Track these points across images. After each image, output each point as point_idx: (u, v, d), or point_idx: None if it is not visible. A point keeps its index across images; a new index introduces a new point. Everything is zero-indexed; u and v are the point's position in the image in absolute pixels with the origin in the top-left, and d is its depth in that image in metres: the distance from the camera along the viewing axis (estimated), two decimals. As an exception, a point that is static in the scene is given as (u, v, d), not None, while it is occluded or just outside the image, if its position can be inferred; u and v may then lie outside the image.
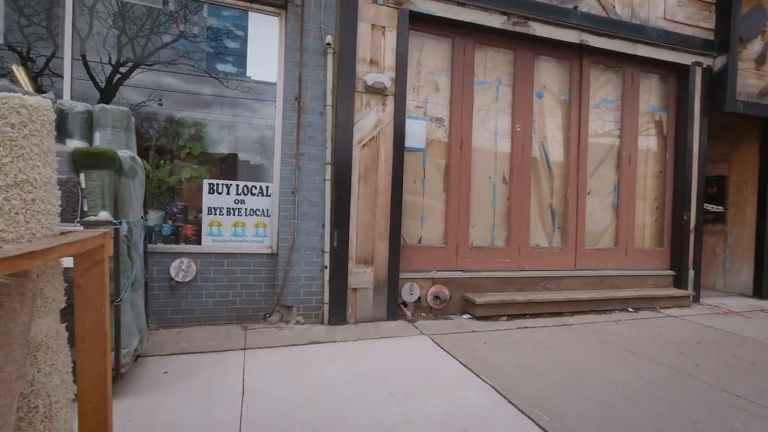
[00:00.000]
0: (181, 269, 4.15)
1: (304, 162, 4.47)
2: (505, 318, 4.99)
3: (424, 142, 5.14)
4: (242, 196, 4.44)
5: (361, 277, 4.64)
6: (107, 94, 4.32)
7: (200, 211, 4.37)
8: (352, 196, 4.59)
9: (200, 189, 4.35)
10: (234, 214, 4.42)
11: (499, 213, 5.55)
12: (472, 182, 5.34)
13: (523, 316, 5.09)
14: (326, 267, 4.50)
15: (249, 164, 4.76)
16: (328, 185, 4.50)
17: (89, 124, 3.01)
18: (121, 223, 2.70)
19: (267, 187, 4.51)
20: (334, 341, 4.03)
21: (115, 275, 2.67)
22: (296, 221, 4.43)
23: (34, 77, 4.12)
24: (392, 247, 4.75)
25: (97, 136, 3.00)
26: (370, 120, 4.66)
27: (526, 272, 5.50)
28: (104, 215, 2.68)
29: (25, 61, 4.09)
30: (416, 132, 5.09)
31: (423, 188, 5.18)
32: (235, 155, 4.77)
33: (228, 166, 4.87)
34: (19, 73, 4.05)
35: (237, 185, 4.42)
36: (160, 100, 4.50)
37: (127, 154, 2.94)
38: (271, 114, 4.64)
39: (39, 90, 4.04)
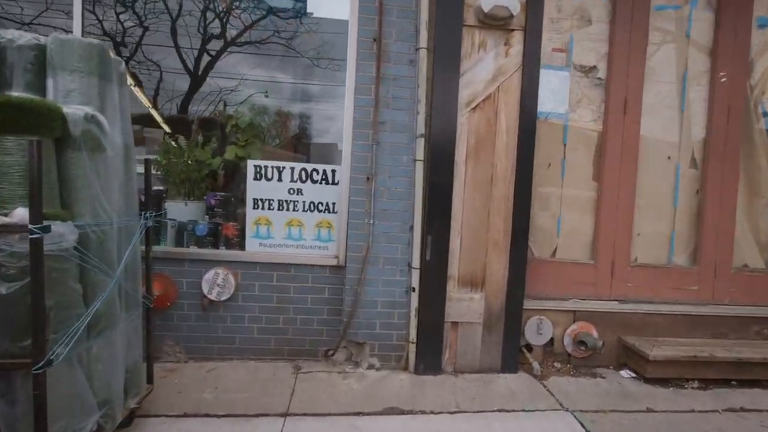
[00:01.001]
0: (216, 284, 3.03)
1: (384, 134, 3.05)
2: (696, 384, 3.10)
3: (565, 103, 3.40)
4: (299, 184, 3.17)
5: (466, 305, 3.13)
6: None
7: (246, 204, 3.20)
8: (456, 184, 3.08)
9: (246, 174, 3.17)
10: (288, 209, 3.18)
11: (684, 213, 3.59)
12: (640, 165, 3.46)
13: (727, 382, 3.14)
14: (413, 289, 3.07)
15: (311, 141, 3.49)
16: (419, 168, 3.04)
17: (42, 68, 1.90)
18: (48, 229, 1.52)
19: (333, 171, 3.19)
20: (422, 412, 2.58)
21: (33, 321, 1.52)
22: (372, 221, 3.05)
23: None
24: (514, 261, 3.14)
25: (50, 84, 1.88)
26: (485, 69, 3.07)
27: (728, 308, 3.50)
28: (19, 214, 1.53)
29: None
30: (554, 88, 3.37)
31: (561, 174, 3.45)
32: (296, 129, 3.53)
33: (288, 145, 3.66)
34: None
35: (292, 168, 3.16)
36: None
37: (80, 111, 1.77)
38: (340, 64, 3.28)
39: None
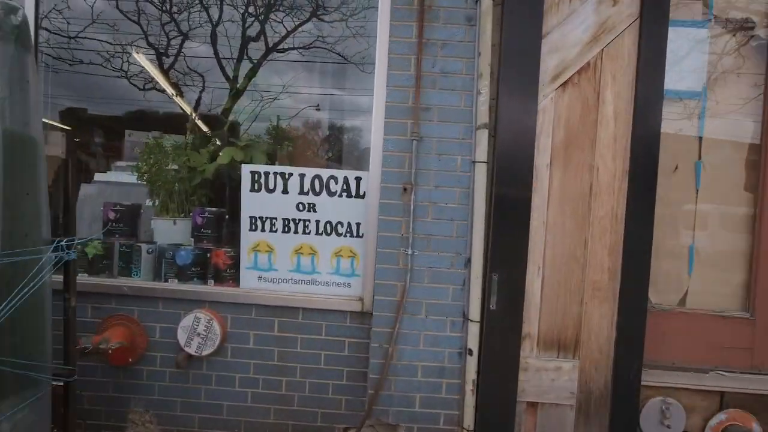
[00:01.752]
0: (196, 332, 2.22)
1: (429, 126, 2.12)
2: None
3: (703, 77, 2.29)
4: (311, 197, 2.31)
5: (550, 378, 2.10)
6: None
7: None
8: (536, 199, 2.08)
9: (241, 183, 2.36)
10: (296, 231, 2.32)
11: None
12: (824, 169, 2.27)
13: None
14: (470, 352, 2.08)
15: (329, 140, 2.63)
16: (479, 174, 2.07)
17: None
18: None
19: (357, 180, 2.29)
20: None
21: None
22: (411, 251, 2.11)
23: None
24: (626, 314, 2.07)
25: None
26: (581, 26, 2.06)
27: None
28: None
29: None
30: (684, 54, 2.28)
31: (696, 183, 2.33)
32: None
33: (300, 147, 2.84)
34: None
35: (301, 176, 2.30)
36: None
37: None
38: (369, 28, 2.40)
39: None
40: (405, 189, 2.12)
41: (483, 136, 2.07)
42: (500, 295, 2.06)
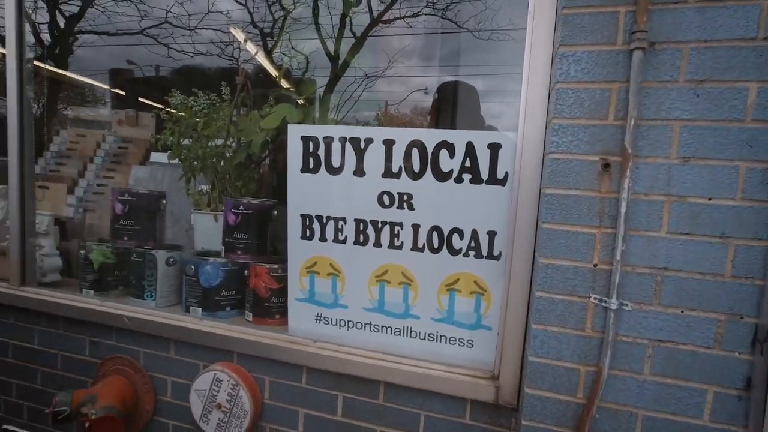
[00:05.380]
0: (215, 403, 1.37)
1: (673, 11, 0.93)
2: None
3: None
4: (404, 181, 1.27)
5: None
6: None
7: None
8: None
9: (288, 156, 1.42)
10: (377, 241, 1.32)
11: None
12: None
13: None
14: None
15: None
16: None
17: None
18: None
19: (493, 149, 1.19)
20: None
21: None
22: (614, 300, 0.96)
23: None
24: None
25: None
26: None
27: None
28: None
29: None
30: None
31: None
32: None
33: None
34: None
35: (388, 142, 1.28)
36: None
37: None
38: None
39: None
40: (606, 165, 0.95)
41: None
42: None
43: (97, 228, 2.50)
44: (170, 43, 4.33)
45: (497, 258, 1.21)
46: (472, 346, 1.26)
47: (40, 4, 4.22)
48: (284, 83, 2.03)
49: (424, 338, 1.29)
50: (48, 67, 4.14)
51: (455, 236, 1.23)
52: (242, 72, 1.90)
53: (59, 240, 2.01)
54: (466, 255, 1.23)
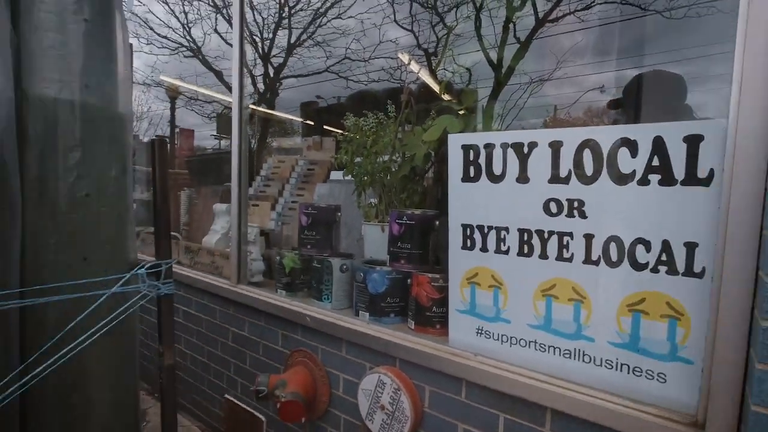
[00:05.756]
0: (379, 404, 1.43)
1: None
2: None
3: None
4: (574, 186, 1.14)
5: None
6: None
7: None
8: None
9: (448, 166, 1.42)
10: (543, 253, 1.20)
11: None
12: None
13: None
14: None
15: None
16: None
17: None
18: None
19: (690, 143, 0.98)
20: None
21: None
22: None
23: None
24: None
25: None
26: None
27: None
28: None
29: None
30: None
31: None
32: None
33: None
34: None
35: (555, 144, 1.16)
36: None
37: None
38: None
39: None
40: None
41: None
42: None
43: (291, 238, 2.93)
44: (349, 76, 4.90)
45: (699, 275, 0.98)
46: (665, 381, 1.04)
47: (258, 60, 5.26)
48: (446, 96, 2.08)
49: (600, 364, 1.13)
50: (260, 109, 5.11)
51: (639, 248, 1.05)
52: (407, 90, 2.01)
53: (264, 248, 2.43)
54: (654, 270, 1.04)
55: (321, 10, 5.05)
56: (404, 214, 1.60)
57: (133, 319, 1.03)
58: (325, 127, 4.35)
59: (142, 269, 1.03)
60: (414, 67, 2.98)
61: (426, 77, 3.05)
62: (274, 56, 5.44)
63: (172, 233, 1.96)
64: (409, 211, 1.62)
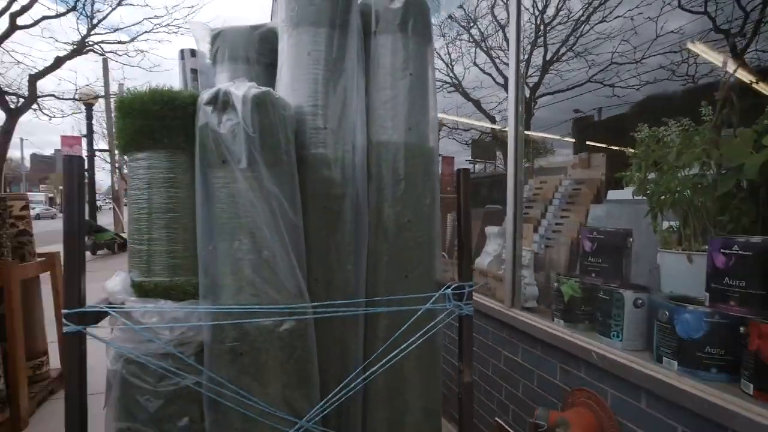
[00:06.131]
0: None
1: None
2: None
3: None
4: None
5: None
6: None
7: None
8: None
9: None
10: None
11: None
12: None
13: None
14: None
15: None
16: None
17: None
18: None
19: None
20: None
21: None
22: None
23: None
24: None
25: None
26: None
27: None
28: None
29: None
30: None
31: None
32: None
33: None
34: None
35: None
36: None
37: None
38: None
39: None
40: None
41: None
42: None
43: (555, 262, 2.76)
44: (615, 83, 4.37)
45: None
46: None
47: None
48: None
49: None
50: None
51: None
52: (724, 86, 1.62)
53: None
54: None
55: (582, 18, 4.72)
56: (735, 242, 1.26)
57: (438, 335, 1.14)
58: (588, 143, 3.98)
59: (448, 289, 1.13)
60: (712, 57, 2.39)
61: (731, 65, 2.41)
62: (529, 76, 5.39)
63: (442, 253, 2.11)
64: (743, 238, 1.26)
